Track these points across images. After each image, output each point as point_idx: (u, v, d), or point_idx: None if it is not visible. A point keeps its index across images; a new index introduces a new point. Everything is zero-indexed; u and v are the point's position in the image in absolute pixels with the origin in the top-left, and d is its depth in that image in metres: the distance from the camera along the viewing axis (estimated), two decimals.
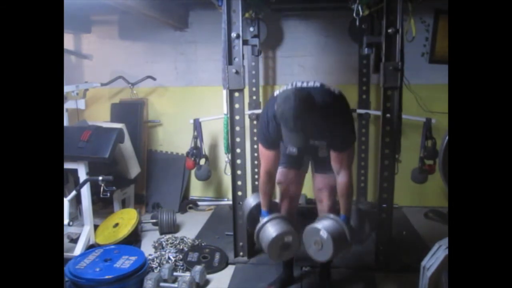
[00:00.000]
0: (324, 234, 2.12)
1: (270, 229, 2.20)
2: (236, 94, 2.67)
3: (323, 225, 2.15)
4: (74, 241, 3.05)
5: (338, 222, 2.18)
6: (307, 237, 2.21)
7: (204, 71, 4.03)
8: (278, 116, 1.95)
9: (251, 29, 3.54)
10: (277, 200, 2.47)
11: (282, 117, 1.91)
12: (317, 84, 2.13)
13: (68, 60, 4.11)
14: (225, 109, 2.94)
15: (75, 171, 2.94)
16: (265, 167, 2.25)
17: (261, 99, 3.86)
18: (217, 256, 2.88)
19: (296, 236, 2.22)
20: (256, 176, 3.86)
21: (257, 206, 2.41)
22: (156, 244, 3.10)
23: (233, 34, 2.57)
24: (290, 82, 2.18)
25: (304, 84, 2.13)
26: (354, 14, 2.58)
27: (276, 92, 2.16)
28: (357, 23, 2.62)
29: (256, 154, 3.84)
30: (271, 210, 2.32)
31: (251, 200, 2.51)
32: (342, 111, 2.15)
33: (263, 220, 2.26)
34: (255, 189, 3.88)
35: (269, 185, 2.29)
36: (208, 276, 2.67)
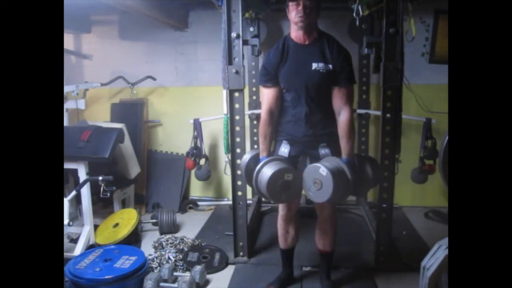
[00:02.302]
0: (324, 171, 2.03)
1: (268, 169, 2.10)
2: (236, 94, 2.67)
3: (324, 164, 2.08)
4: (74, 241, 3.05)
5: (339, 162, 2.13)
6: (307, 176, 2.11)
7: (204, 71, 4.03)
8: None
9: (251, 29, 3.54)
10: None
11: None
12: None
13: (68, 60, 4.11)
14: (225, 109, 2.94)
15: (75, 171, 2.94)
16: (266, 106, 2.26)
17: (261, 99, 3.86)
18: (217, 256, 2.88)
19: (297, 175, 2.13)
20: None
21: (254, 158, 2.38)
22: (156, 244, 3.10)
23: (233, 34, 2.57)
24: None
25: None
26: (354, 14, 2.59)
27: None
28: (357, 23, 2.63)
29: None
30: (271, 155, 2.27)
31: (247, 155, 2.48)
32: (345, 51, 2.24)
33: (260, 163, 2.19)
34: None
35: (270, 126, 2.27)
36: (208, 276, 2.67)
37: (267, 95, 2.27)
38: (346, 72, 2.20)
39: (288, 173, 2.09)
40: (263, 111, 2.28)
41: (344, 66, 2.19)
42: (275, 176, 2.07)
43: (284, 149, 2.28)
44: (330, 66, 2.18)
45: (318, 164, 2.08)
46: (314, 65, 2.17)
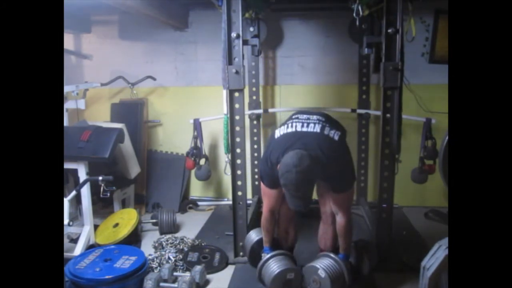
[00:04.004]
0: (322, 273, 2.21)
1: (273, 265, 2.26)
2: (236, 94, 2.67)
3: (322, 265, 2.23)
4: (74, 241, 3.05)
5: (337, 262, 2.24)
6: (306, 274, 2.29)
7: (204, 71, 4.03)
8: (281, 183, 1.99)
9: (251, 29, 3.54)
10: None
11: (285, 186, 1.97)
12: (317, 129, 2.12)
13: (68, 60, 4.11)
14: (225, 109, 2.93)
15: (75, 171, 2.94)
16: (268, 206, 2.31)
17: (261, 99, 3.85)
18: (217, 256, 2.88)
19: (298, 273, 2.29)
20: (256, 176, 3.86)
21: (259, 242, 2.50)
22: (156, 244, 3.10)
23: (233, 34, 2.57)
24: (289, 122, 2.21)
25: (304, 129, 2.13)
26: (354, 14, 2.58)
27: (276, 134, 2.19)
28: (357, 23, 2.62)
29: (256, 154, 3.85)
30: (274, 246, 2.40)
31: (253, 236, 2.58)
32: (342, 156, 2.16)
33: (265, 256, 2.33)
34: (254, 189, 3.89)
35: (272, 223, 2.36)
36: (208, 276, 2.67)
37: (268, 195, 2.29)
38: (343, 181, 2.19)
39: (290, 273, 2.26)
40: (265, 209, 2.34)
41: (342, 176, 2.16)
42: (279, 275, 2.24)
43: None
44: (325, 182, 2.20)
45: (317, 266, 2.24)
46: None
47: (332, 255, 2.29)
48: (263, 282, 2.34)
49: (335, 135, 2.14)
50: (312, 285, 2.26)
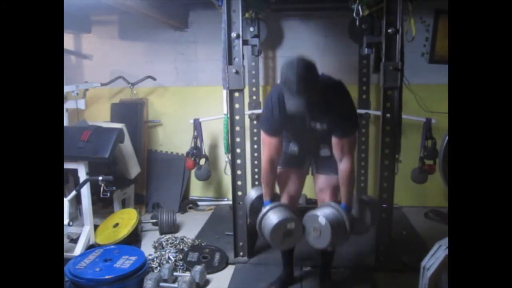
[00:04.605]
0: (322, 220, 2.11)
1: (272, 217, 2.18)
2: (236, 94, 2.67)
3: (323, 212, 2.14)
4: (74, 241, 3.05)
5: (338, 210, 2.16)
6: (307, 223, 2.20)
7: (204, 71, 4.03)
8: (282, 82, 1.98)
9: (251, 29, 3.54)
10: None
11: (286, 82, 1.94)
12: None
13: (68, 60, 4.11)
14: (225, 109, 2.94)
15: (75, 171, 2.94)
16: (268, 155, 2.25)
17: (261, 99, 3.85)
18: (217, 256, 2.88)
19: (299, 223, 2.20)
20: (256, 176, 3.86)
21: (259, 198, 2.41)
22: (156, 244, 3.10)
23: (233, 34, 2.57)
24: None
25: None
26: (354, 14, 2.58)
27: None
28: (357, 23, 2.62)
29: (256, 154, 3.84)
30: (274, 200, 2.31)
31: (252, 193, 2.51)
32: (342, 95, 2.18)
33: (265, 208, 2.24)
34: None
35: (272, 174, 2.29)
36: (208, 276, 2.67)
37: (268, 144, 2.25)
38: (345, 124, 2.16)
39: (290, 222, 2.17)
40: (264, 160, 2.28)
41: (343, 119, 2.14)
42: (278, 225, 2.15)
43: (294, 148, 2.32)
44: (326, 124, 2.17)
45: (317, 213, 2.16)
46: (312, 124, 2.18)
47: (333, 203, 2.22)
48: (262, 234, 2.25)
49: (336, 78, 2.23)
50: (312, 234, 2.17)
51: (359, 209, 2.35)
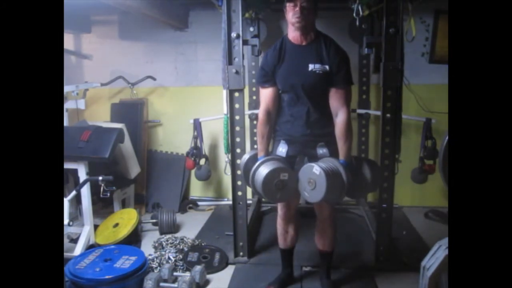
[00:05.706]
0: (317, 170, 2.02)
1: (263, 168, 2.13)
2: (236, 94, 2.67)
3: (318, 163, 2.08)
4: (74, 241, 3.05)
5: (334, 163, 2.12)
6: (302, 177, 2.12)
7: (204, 71, 4.03)
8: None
9: (251, 29, 3.54)
10: None
11: None
12: None
13: (68, 60, 4.11)
14: (225, 109, 2.94)
15: (75, 171, 2.94)
16: (264, 106, 2.27)
17: None
18: (217, 256, 2.88)
19: (293, 174, 2.14)
20: None
21: (252, 158, 2.39)
22: (156, 244, 3.10)
23: (233, 34, 2.57)
24: None
25: None
26: (354, 14, 2.58)
27: None
28: (357, 23, 2.62)
29: None
30: (269, 155, 2.28)
31: (246, 155, 2.51)
32: (342, 52, 2.24)
33: (257, 163, 2.21)
34: None
35: (268, 126, 2.28)
36: (208, 276, 2.67)
37: (264, 95, 2.28)
38: (343, 73, 2.19)
39: (283, 173, 2.10)
40: (260, 111, 2.29)
41: (341, 67, 2.19)
42: (270, 175, 2.08)
43: (282, 149, 2.29)
44: (327, 67, 2.18)
45: (312, 164, 2.09)
46: (311, 66, 2.17)
47: (330, 158, 2.16)
48: (255, 189, 2.19)
49: None
50: (307, 188, 2.07)
51: (357, 168, 2.26)
